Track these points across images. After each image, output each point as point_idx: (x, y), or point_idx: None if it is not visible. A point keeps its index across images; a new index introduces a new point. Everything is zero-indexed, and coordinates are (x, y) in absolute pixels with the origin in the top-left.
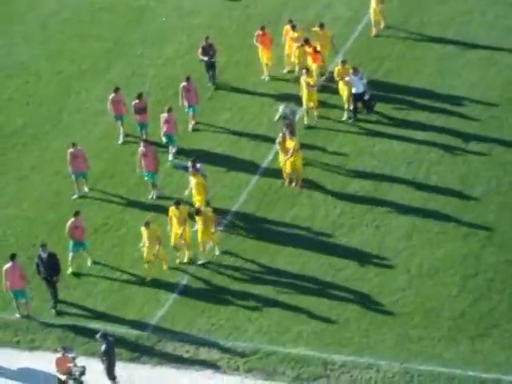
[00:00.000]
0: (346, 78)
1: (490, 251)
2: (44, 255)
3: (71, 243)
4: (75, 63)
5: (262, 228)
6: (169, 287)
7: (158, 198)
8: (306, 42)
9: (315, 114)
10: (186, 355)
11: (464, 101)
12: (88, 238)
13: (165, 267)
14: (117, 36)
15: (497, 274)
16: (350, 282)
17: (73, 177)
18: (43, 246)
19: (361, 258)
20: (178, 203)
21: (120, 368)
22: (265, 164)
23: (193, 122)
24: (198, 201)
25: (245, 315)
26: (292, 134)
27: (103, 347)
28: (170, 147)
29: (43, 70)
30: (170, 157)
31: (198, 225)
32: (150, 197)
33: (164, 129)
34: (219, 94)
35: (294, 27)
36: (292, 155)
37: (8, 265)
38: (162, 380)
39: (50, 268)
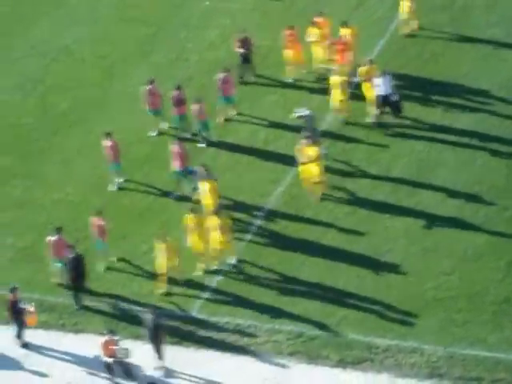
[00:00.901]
0: (374, 79)
1: None
2: (70, 256)
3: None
4: (119, 47)
5: (302, 216)
6: (212, 273)
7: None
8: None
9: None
10: (229, 339)
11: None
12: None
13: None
14: (160, 20)
15: None
16: (394, 265)
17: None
18: (70, 246)
19: (405, 241)
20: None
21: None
22: None
23: (232, 113)
24: (209, 205)
25: (288, 299)
26: (311, 140)
27: (152, 325)
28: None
29: (87, 54)
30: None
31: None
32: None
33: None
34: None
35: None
36: (310, 162)
37: (54, 237)
38: (206, 363)
39: (74, 270)
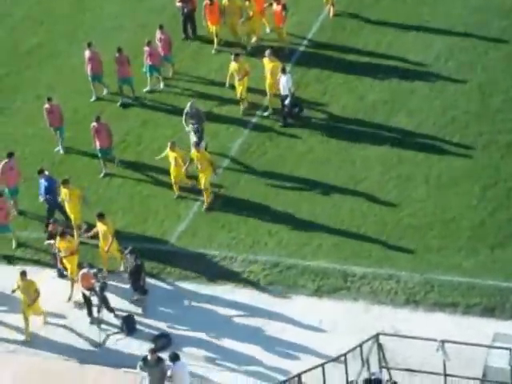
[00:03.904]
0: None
1: (509, 160)
2: None
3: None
4: None
5: (283, 139)
6: (188, 203)
7: None
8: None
9: None
10: (206, 270)
11: None
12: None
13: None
14: None
15: None
16: (369, 193)
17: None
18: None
19: (380, 170)
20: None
21: None
22: None
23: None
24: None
25: (264, 229)
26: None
27: (134, 263)
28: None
29: None
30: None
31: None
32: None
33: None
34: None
35: None
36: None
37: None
38: (184, 294)
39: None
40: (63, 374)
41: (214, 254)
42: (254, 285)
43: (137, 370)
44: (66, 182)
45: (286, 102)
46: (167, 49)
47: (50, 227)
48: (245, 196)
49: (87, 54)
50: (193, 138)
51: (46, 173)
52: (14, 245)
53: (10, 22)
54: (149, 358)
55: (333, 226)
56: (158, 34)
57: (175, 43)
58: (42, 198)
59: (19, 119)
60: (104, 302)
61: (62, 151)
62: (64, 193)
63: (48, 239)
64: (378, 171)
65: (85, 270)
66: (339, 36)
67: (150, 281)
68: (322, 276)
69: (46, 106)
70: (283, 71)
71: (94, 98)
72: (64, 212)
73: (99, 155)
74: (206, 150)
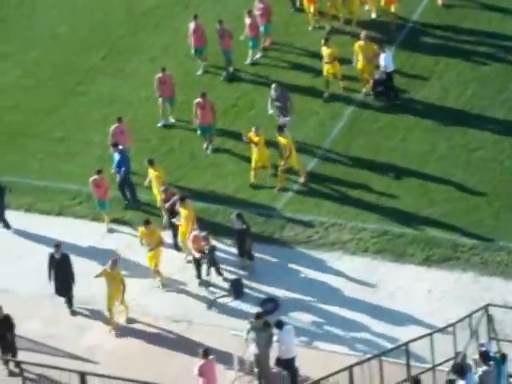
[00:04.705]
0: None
1: None
2: (57, 256)
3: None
4: None
5: (394, 105)
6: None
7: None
8: None
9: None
10: (314, 236)
11: None
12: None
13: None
14: None
15: None
16: (483, 163)
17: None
18: (57, 246)
19: (495, 138)
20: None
21: None
22: None
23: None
24: None
25: (374, 197)
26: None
27: (240, 227)
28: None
29: None
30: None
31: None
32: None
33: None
34: None
35: None
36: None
37: None
38: (291, 260)
39: (63, 271)
40: (172, 335)
41: (323, 221)
42: (363, 252)
43: (243, 333)
44: (151, 163)
45: (379, 77)
46: (266, 18)
47: (164, 195)
48: (352, 166)
49: (192, 26)
50: (280, 120)
51: (120, 147)
52: (107, 222)
53: None
54: (256, 322)
55: (443, 195)
56: (258, 4)
57: (282, 15)
58: (114, 172)
59: (133, 82)
60: (213, 265)
61: (173, 120)
62: (150, 173)
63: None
64: (491, 141)
65: (196, 233)
66: (446, 16)
67: (258, 246)
68: (432, 245)
69: (159, 75)
70: (382, 49)
71: (200, 72)
72: (132, 189)
73: (198, 132)
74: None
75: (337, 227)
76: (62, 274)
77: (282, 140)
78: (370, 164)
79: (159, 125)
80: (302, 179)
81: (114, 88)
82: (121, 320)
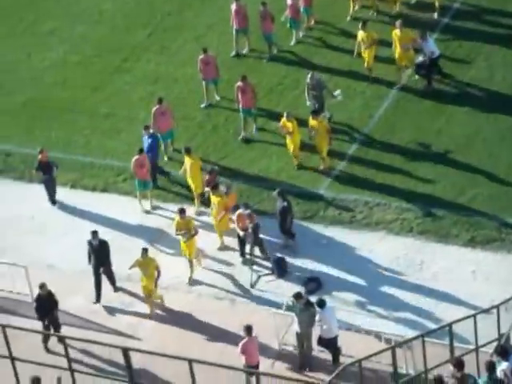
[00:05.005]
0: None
1: None
2: (95, 243)
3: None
4: None
5: (436, 90)
6: (342, 145)
7: None
8: None
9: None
10: (358, 216)
11: None
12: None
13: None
14: None
15: None
16: None
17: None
18: (94, 232)
19: None
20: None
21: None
22: None
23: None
24: None
25: (418, 178)
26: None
27: (282, 204)
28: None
29: None
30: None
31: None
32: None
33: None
34: None
35: None
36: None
37: None
38: (335, 239)
39: (101, 256)
40: (215, 313)
41: (367, 201)
42: (407, 232)
43: (283, 309)
44: (188, 151)
45: (422, 61)
46: (307, 2)
47: (208, 177)
48: (397, 147)
49: (234, 7)
50: (312, 107)
51: (151, 131)
52: (149, 204)
53: None
54: (297, 301)
55: (489, 176)
56: None
57: None
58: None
59: (179, 59)
60: (257, 243)
61: (218, 98)
62: (186, 161)
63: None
64: None
65: (240, 211)
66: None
67: (302, 224)
68: (476, 227)
69: (201, 56)
70: (423, 38)
71: (246, 51)
72: (162, 172)
73: (241, 115)
74: (330, 120)
75: (381, 207)
76: (100, 261)
77: (314, 124)
78: (414, 145)
79: (203, 106)
80: (322, 166)
81: (159, 65)
82: (156, 309)
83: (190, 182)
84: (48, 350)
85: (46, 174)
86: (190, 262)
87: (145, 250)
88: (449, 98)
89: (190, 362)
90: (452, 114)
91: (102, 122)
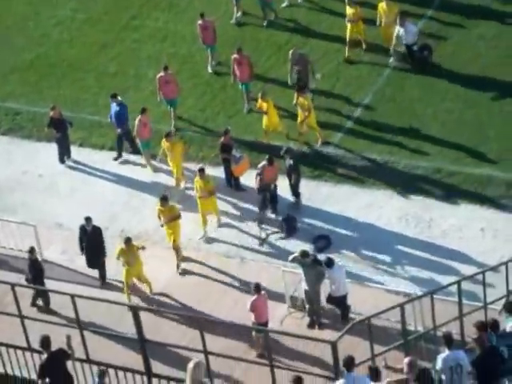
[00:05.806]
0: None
1: None
2: (88, 228)
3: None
4: None
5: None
6: (351, 107)
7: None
8: None
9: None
10: (367, 174)
11: None
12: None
13: None
14: None
15: None
16: None
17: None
18: (87, 219)
19: None
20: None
21: (302, 185)
22: None
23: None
24: None
25: (426, 137)
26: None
27: (288, 163)
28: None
29: None
30: None
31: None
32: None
33: None
34: None
35: None
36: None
37: None
38: (343, 197)
39: (94, 244)
40: (225, 270)
41: (376, 159)
42: (415, 190)
43: (289, 259)
44: (168, 135)
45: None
46: None
47: (223, 138)
48: (405, 104)
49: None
50: (292, 82)
51: (119, 98)
52: (151, 171)
53: None
54: (302, 259)
55: (498, 134)
56: None
57: None
58: (110, 121)
59: (187, 17)
60: (272, 201)
61: (210, 70)
62: (166, 146)
63: (221, 151)
64: None
65: (264, 162)
66: None
67: (311, 183)
68: (485, 184)
69: (200, 22)
70: (401, 22)
71: (234, 20)
72: (132, 141)
73: (241, 88)
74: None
75: (390, 165)
76: (93, 247)
77: (301, 100)
78: (423, 104)
79: (209, 70)
80: (318, 143)
81: (167, 23)
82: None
83: (171, 165)
84: (39, 308)
85: (59, 132)
86: (176, 248)
87: (127, 238)
88: (460, 57)
89: (199, 321)
90: (460, 68)
91: (110, 80)
